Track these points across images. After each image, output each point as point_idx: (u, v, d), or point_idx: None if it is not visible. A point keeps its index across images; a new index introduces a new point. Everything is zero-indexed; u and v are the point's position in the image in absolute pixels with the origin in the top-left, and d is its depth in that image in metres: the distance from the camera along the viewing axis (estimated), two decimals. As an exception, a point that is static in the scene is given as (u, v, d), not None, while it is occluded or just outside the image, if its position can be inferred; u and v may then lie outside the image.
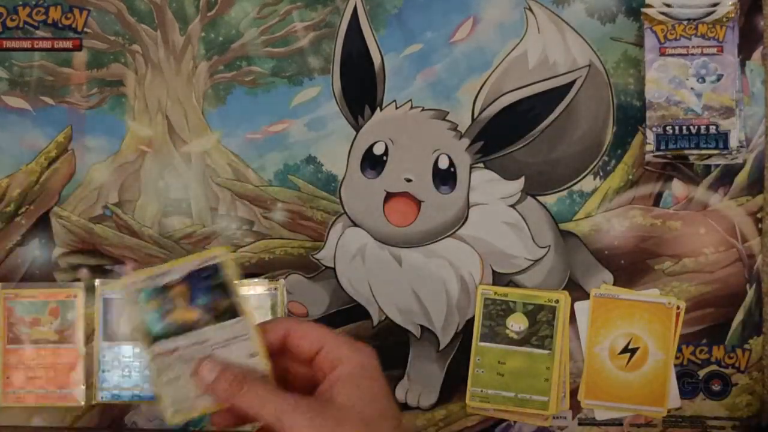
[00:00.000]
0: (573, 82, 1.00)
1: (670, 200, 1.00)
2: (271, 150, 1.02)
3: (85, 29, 1.03)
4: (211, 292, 0.74)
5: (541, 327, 0.99)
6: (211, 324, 0.73)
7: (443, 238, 1.01)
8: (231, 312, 0.74)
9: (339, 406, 0.70)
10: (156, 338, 0.73)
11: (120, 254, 1.03)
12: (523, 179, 1.01)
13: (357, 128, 1.02)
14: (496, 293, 1.00)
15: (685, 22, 0.97)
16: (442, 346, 1.02)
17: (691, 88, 0.97)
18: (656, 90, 0.97)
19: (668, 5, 0.98)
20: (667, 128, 0.97)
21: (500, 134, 1.01)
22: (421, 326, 1.02)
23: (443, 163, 1.01)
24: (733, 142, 0.96)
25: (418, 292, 1.01)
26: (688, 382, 1.00)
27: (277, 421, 0.70)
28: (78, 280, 1.03)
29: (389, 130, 1.01)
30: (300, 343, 0.74)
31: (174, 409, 0.74)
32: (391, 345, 1.02)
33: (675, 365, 1.00)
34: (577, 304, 1.00)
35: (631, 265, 1.00)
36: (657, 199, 1.01)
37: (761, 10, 1.00)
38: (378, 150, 1.01)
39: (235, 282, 0.74)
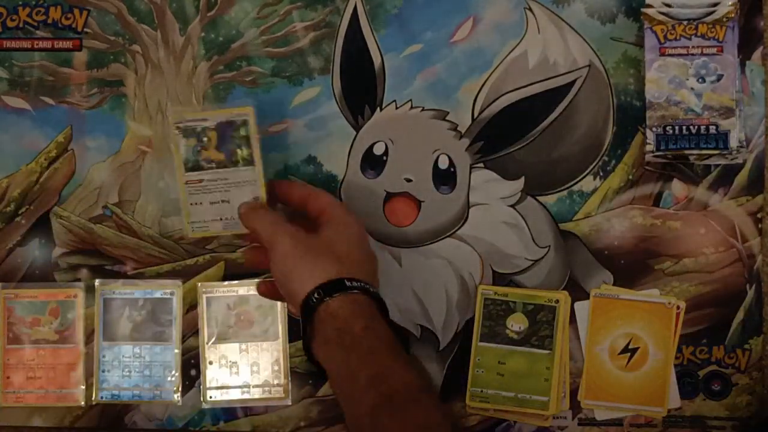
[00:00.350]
0: (573, 82, 1.00)
1: (670, 200, 1.00)
2: (271, 150, 1.02)
3: (85, 29, 1.03)
4: (236, 141, 0.93)
5: (541, 327, 0.99)
6: (231, 167, 0.93)
7: (443, 238, 1.01)
8: (248, 161, 0.92)
9: (320, 241, 0.88)
10: (189, 169, 0.93)
11: (120, 254, 1.03)
12: (523, 179, 1.01)
13: (357, 128, 1.02)
14: (496, 293, 1.00)
15: (685, 22, 0.97)
16: (442, 346, 1.02)
17: (691, 88, 0.97)
18: (656, 90, 0.97)
19: (668, 5, 0.98)
20: (667, 128, 0.97)
21: (500, 134, 1.01)
22: (421, 326, 1.02)
23: (443, 163, 1.01)
24: (733, 142, 0.96)
25: (418, 292, 1.01)
26: (688, 382, 1.00)
27: (270, 237, 0.88)
28: (78, 280, 1.03)
29: (389, 130, 1.01)
30: (288, 198, 0.94)
31: (194, 226, 0.94)
32: (391, 345, 1.01)
33: (675, 365, 1.00)
34: (577, 304, 1.00)
35: (631, 265, 1.00)
36: (657, 199, 1.01)
37: (761, 10, 1.00)
38: (378, 150, 1.01)
39: (255, 137, 0.92)
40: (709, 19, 0.97)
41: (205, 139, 0.93)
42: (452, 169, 1.01)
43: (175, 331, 1.02)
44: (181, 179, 0.93)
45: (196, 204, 0.94)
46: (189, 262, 1.03)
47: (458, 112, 1.01)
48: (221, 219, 0.94)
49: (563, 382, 0.99)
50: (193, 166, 0.93)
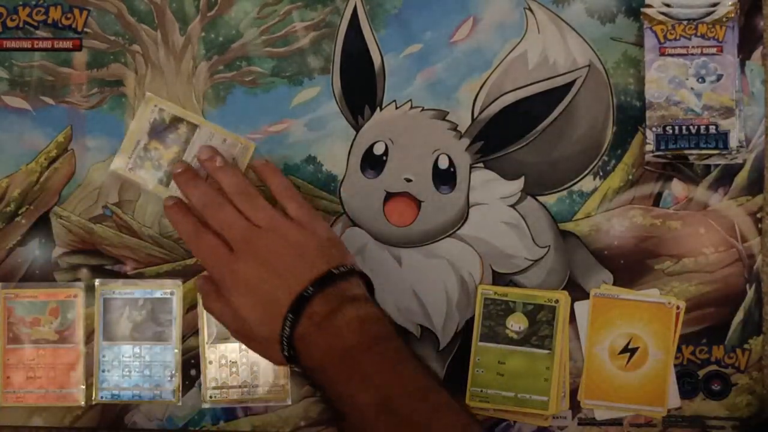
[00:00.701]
0: (573, 82, 1.00)
1: (670, 200, 1.01)
2: (271, 150, 1.02)
3: (85, 29, 1.03)
4: (170, 128, 0.99)
5: (541, 327, 0.99)
6: (187, 146, 0.99)
7: (443, 238, 1.01)
8: (191, 130, 0.99)
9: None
10: (168, 182, 0.99)
11: (120, 254, 1.03)
12: (523, 179, 1.01)
13: (357, 128, 1.02)
14: (496, 293, 1.00)
15: (684, 22, 0.97)
16: (442, 346, 1.02)
17: (691, 88, 0.97)
18: (656, 90, 0.97)
19: (668, 5, 0.98)
20: (667, 128, 0.97)
21: (500, 134, 1.01)
22: (421, 326, 1.02)
23: (443, 163, 1.01)
24: (733, 142, 0.96)
25: (418, 292, 1.01)
26: (688, 382, 1.00)
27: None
28: (78, 280, 1.03)
29: (389, 130, 1.01)
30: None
31: None
32: (391, 345, 1.01)
33: (675, 365, 1.00)
34: (577, 304, 1.00)
35: (631, 265, 1.00)
36: (657, 199, 1.01)
37: (761, 10, 1.00)
38: (378, 150, 1.01)
39: (175, 112, 1.00)
40: (708, 19, 0.97)
41: (154, 152, 0.99)
42: (452, 169, 1.01)
43: (175, 331, 1.02)
44: (171, 193, 0.99)
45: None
46: (189, 262, 1.03)
47: (458, 112, 1.01)
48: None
49: (563, 382, 0.99)
50: (169, 178, 0.99)
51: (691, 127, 0.97)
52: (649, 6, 0.98)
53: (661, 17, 0.97)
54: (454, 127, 1.01)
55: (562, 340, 0.99)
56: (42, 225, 1.03)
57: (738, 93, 0.97)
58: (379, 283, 1.00)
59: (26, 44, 1.03)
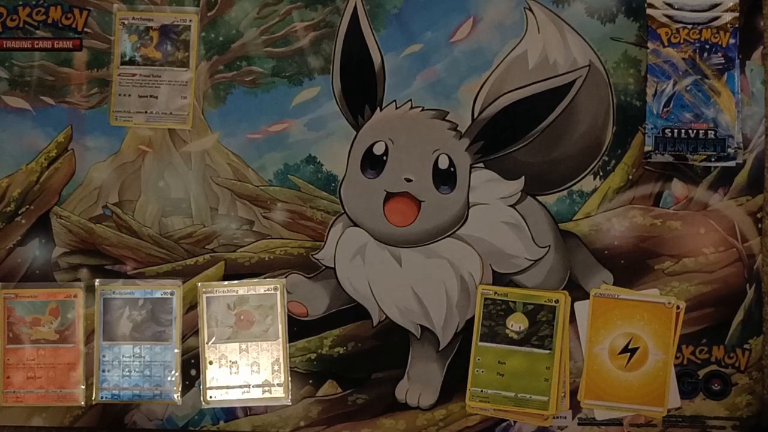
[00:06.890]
0: (573, 82, 1.00)
1: (670, 200, 1.01)
2: (271, 150, 1.02)
3: (85, 29, 1.03)
4: (176, 43, 1.00)
5: (541, 327, 0.99)
6: (167, 67, 1.00)
7: (443, 238, 1.01)
8: (184, 63, 1.00)
9: None
10: (124, 62, 1.00)
11: (120, 254, 1.03)
12: (523, 179, 1.01)
13: (357, 128, 1.02)
14: (496, 293, 1.00)
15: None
16: (442, 346, 1.02)
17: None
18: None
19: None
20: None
21: (500, 134, 1.01)
22: (421, 326, 1.02)
23: (443, 163, 1.01)
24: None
25: (418, 292, 1.01)
26: (688, 382, 1.00)
27: None
28: (78, 280, 1.03)
29: (389, 130, 1.01)
30: None
31: (117, 115, 1.02)
32: (391, 345, 1.02)
33: (675, 365, 1.00)
34: (577, 304, 1.00)
35: (631, 265, 1.00)
36: (657, 199, 1.01)
37: (761, 10, 1.00)
38: (378, 150, 1.01)
39: (195, 41, 1.00)
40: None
41: (147, 37, 0.99)
42: (452, 169, 1.01)
43: (175, 331, 1.02)
44: (115, 71, 0.99)
45: (124, 95, 1.00)
46: (189, 262, 1.03)
47: (458, 111, 1.01)
48: (145, 112, 1.00)
49: (563, 382, 0.99)
50: (129, 61, 1.00)
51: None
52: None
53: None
54: (454, 127, 1.01)
55: (562, 340, 0.99)
56: (42, 225, 1.03)
57: (738, 94, 0.97)
58: (379, 283, 1.01)
59: (26, 44, 1.03)
